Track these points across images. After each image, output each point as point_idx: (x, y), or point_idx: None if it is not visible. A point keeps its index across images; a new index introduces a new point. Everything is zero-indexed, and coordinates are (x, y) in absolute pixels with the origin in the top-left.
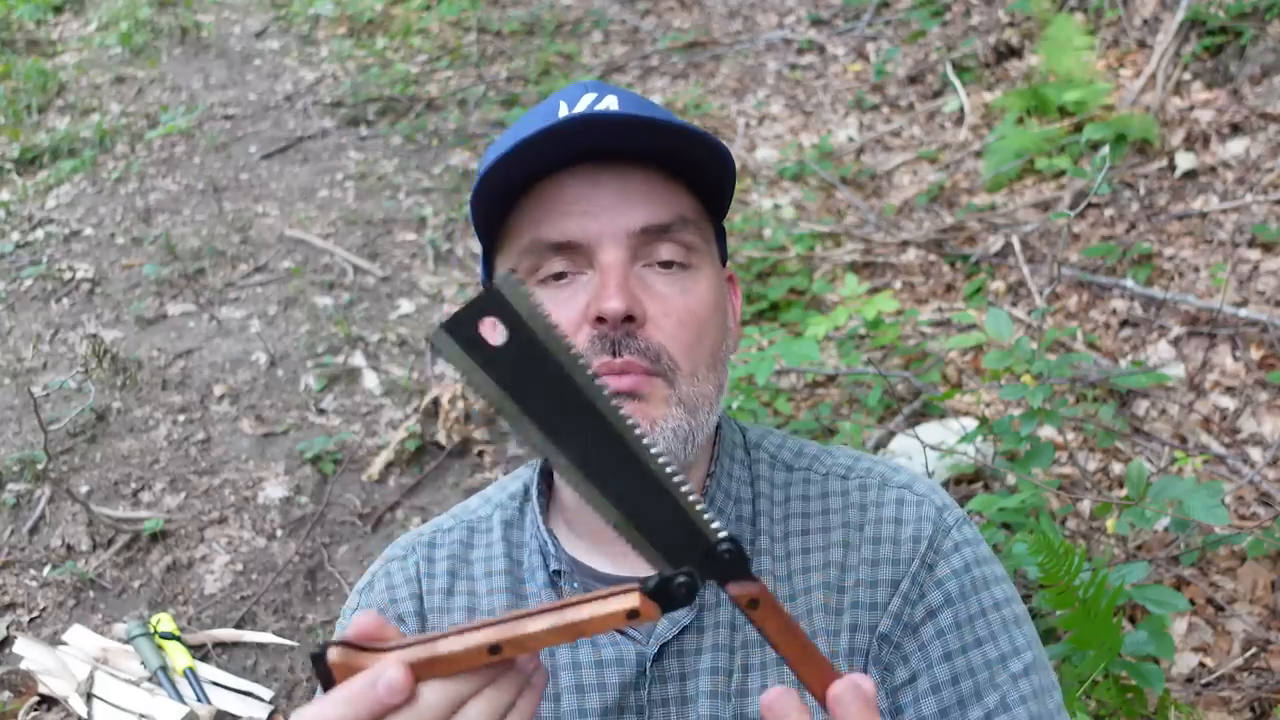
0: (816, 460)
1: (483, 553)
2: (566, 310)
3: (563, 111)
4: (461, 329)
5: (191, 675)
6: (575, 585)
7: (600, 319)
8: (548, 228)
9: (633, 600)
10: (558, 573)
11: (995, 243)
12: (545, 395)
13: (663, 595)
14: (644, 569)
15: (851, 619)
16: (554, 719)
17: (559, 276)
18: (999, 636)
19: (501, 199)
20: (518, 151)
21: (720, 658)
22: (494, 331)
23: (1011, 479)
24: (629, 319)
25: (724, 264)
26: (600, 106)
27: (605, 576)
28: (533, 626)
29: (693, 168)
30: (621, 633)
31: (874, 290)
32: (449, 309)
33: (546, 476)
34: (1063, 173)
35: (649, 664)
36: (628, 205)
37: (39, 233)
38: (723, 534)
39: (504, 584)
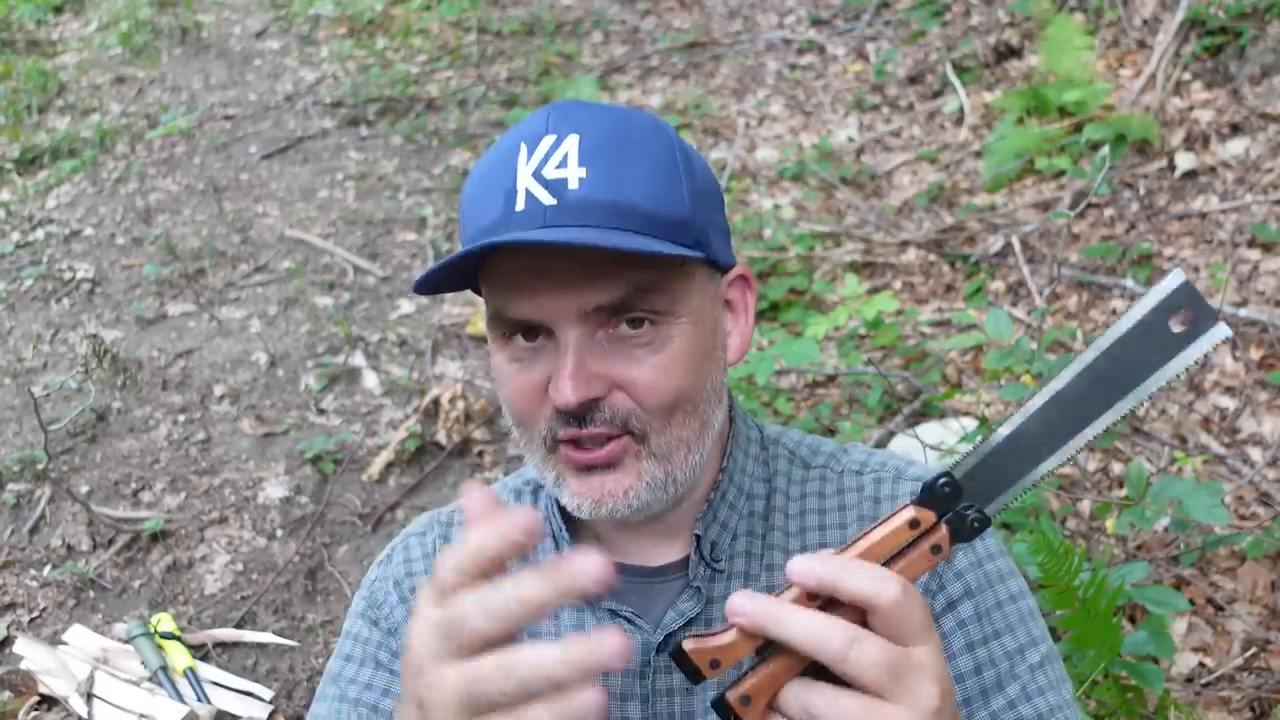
0: (833, 458)
1: None
2: (530, 379)
3: (521, 162)
4: (1174, 301)
5: (191, 675)
6: None
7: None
8: (505, 304)
9: (908, 513)
10: None
11: (995, 243)
12: (1114, 370)
13: (930, 499)
14: (648, 558)
15: None
16: None
17: (530, 336)
18: (1017, 629)
19: (462, 274)
20: (457, 260)
21: None
22: (1176, 320)
23: None
24: (591, 400)
25: (727, 267)
26: (559, 154)
27: (615, 564)
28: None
29: None
30: (629, 621)
31: (874, 290)
32: (449, 310)
33: None
34: (1063, 173)
35: (654, 653)
36: (580, 283)
37: (39, 233)
38: (993, 514)
39: (515, 568)
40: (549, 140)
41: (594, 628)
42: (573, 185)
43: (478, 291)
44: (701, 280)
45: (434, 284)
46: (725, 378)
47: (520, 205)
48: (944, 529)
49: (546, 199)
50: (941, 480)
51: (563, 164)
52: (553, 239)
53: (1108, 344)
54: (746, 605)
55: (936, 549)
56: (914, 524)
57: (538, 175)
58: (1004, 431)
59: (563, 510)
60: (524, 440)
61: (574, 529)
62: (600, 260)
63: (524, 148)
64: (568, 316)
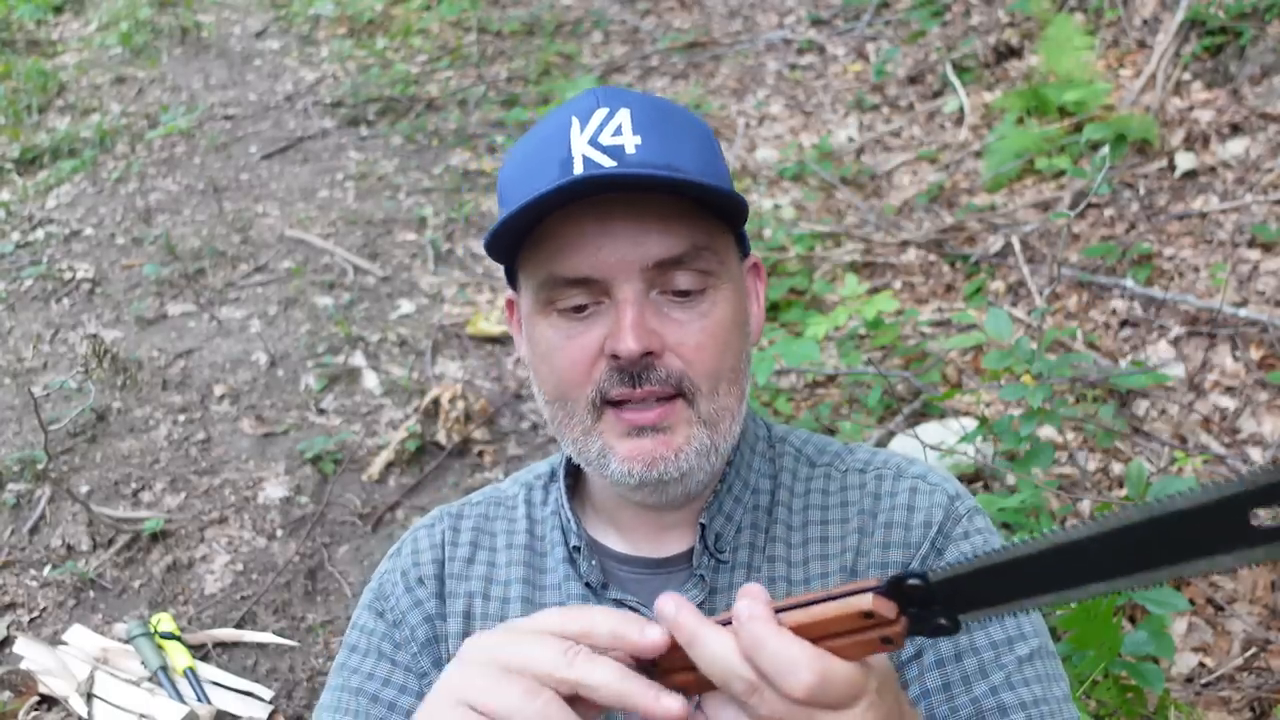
0: (838, 458)
1: (505, 526)
2: (584, 341)
3: (575, 133)
4: (1272, 496)
5: (191, 675)
6: (593, 562)
7: (616, 356)
8: (563, 264)
9: (865, 602)
10: (576, 548)
11: (995, 243)
12: (1161, 541)
13: (895, 593)
14: (656, 549)
15: None
16: None
17: (579, 309)
18: (1005, 620)
19: (515, 237)
20: (528, 208)
21: None
22: (1266, 513)
23: (1011, 479)
24: (647, 353)
25: (746, 254)
26: (613, 124)
27: (622, 556)
28: (785, 620)
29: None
30: (634, 610)
31: (874, 290)
32: (449, 310)
33: None
34: (1063, 173)
35: None
36: (641, 238)
37: (39, 233)
38: (967, 623)
39: (522, 557)
40: (602, 113)
41: None
42: (630, 150)
43: (511, 275)
44: (735, 254)
45: (501, 241)
46: (751, 355)
47: (579, 169)
48: (903, 623)
49: (606, 162)
50: (912, 580)
51: (618, 132)
52: (641, 173)
53: (1162, 513)
54: (669, 610)
55: (888, 640)
56: (868, 615)
57: (594, 142)
58: (1011, 554)
59: (570, 501)
60: (562, 416)
61: (581, 518)
62: (659, 217)
63: (576, 121)
64: (628, 272)
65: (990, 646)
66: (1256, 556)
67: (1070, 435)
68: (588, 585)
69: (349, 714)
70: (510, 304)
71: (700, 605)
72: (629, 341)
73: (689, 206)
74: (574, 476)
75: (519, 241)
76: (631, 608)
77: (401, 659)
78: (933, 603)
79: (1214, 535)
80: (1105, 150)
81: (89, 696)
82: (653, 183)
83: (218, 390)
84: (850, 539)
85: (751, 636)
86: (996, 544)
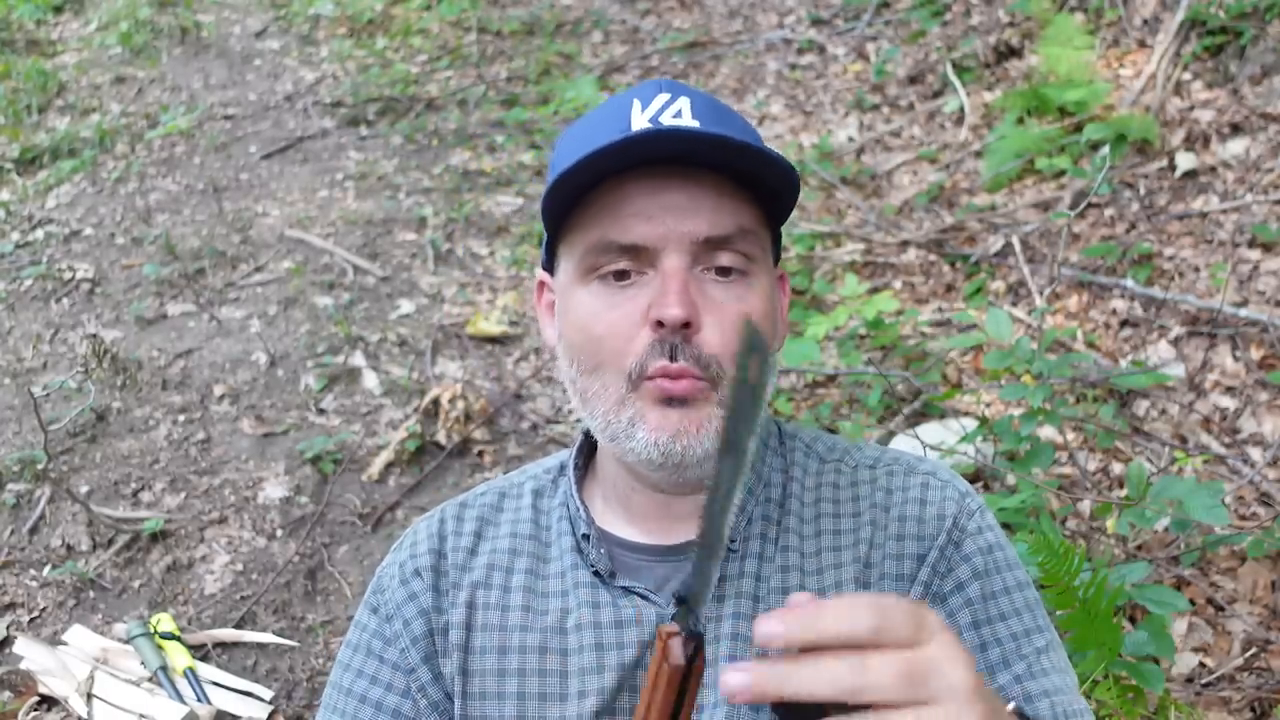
0: (847, 454)
1: (510, 516)
2: (628, 310)
3: (636, 112)
4: None
5: (191, 675)
6: (602, 550)
7: (660, 323)
8: (616, 229)
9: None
10: (585, 536)
11: (995, 243)
12: None
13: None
14: (665, 536)
15: (878, 591)
16: (572, 671)
17: (621, 275)
18: (1023, 613)
19: (569, 196)
20: (591, 160)
21: (742, 624)
22: None
23: (1011, 479)
24: (686, 324)
25: (776, 263)
26: (674, 109)
27: (631, 544)
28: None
29: (757, 178)
30: (643, 597)
31: (874, 290)
32: (449, 310)
33: (587, 453)
34: (1063, 173)
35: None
36: (693, 213)
37: (39, 233)
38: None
39: (526, 546)
40: (664, 97)
41: (607, 604)
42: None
43: (550, 253)
44: (770, 253)
45: (554, 200)
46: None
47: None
48: None
49: None
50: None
51: (678, 115)
52: (708, 131)
53: None
54: (741, 681)
55: None
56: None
57: (654, 121)
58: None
59: (579, 493)
60: (596, 388)
61: (591, 509)
62: (712, 194)
63: (638, 102)
64: (679, 243)
65: (1011, 638)
66: None
67: (1070, 435)
68: (596, 573)
69: (339, 714)
70: (540, 286)
71: None
72: (674, 308)
73: (738, 190)
74: (583, 470)
75: (568, 208)
76: (640, 594)
77: (390, 655)
78: None
79: None
80: (1105, 150)
81: (89, 696)
82: (718, 143)
83: (218, 390)
84: (864, 532)
85: (797, 623)
86: (1004, 541)
